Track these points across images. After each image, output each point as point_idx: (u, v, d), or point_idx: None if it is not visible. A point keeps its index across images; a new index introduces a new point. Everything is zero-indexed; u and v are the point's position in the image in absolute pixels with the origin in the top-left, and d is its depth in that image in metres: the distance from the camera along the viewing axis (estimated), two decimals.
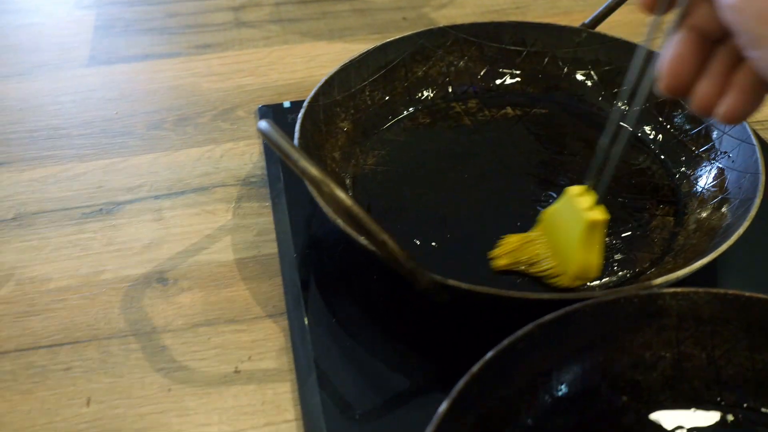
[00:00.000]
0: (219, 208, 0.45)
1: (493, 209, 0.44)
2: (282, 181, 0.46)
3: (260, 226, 0.44)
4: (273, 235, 0.43)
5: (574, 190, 0.37)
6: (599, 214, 0.36)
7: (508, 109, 0.52)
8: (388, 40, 0.51)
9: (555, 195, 0.44)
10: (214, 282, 0.40)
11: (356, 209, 0.31)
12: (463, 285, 0.33)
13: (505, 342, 0.31)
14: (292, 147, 0.33)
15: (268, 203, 0.45)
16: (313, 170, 0.32)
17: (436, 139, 0.49)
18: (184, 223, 0.44)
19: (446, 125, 0.51)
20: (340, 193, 0.31)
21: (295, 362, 0.36)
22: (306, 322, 0.37)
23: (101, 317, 0.38)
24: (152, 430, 0.33)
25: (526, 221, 0.42)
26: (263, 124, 0.35)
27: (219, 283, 0.40)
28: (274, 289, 0.40)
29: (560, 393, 0.32)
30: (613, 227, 0.42)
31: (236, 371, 0.36)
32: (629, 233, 0.42)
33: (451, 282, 0.33)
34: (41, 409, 0.34)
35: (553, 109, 0.52)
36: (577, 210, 0.36)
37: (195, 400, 0.35)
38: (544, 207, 0.41)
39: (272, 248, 0.42)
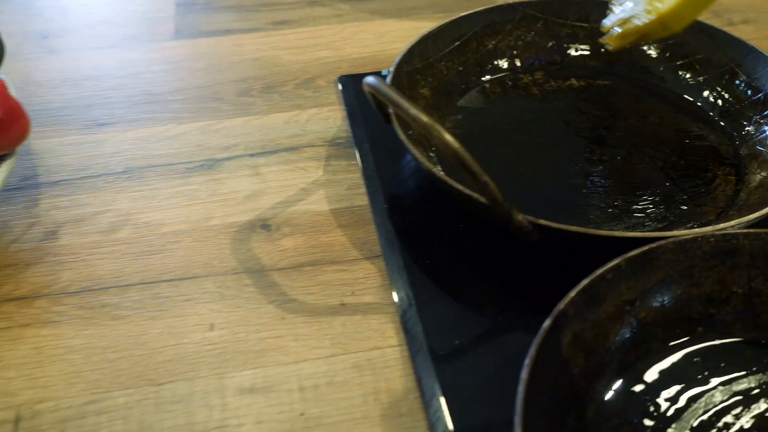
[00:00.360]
0: (310, 165, 0.49)
1: (559, 167, 0.47)
2: (367, 141, 0.50)
3: (350, 181, 0.48)
4: (363, 189, 0.47)
5: None
6: None
7: (573, 81, 0.55)
8: (462, 14, 0.55)
9: (608, 159, 0.48)
10: (313, 228, 0.44)
11: (463, 151, 0.35)
12: (554, 224, 0.37)
13: (597, 272, 0.34)
14: (402, 97, 0.37)
15: (355, 161, 0.49)
16: (424, 117, 0.36)
17: (506, 106, 0.53)
18: (280, 178, 0.48)
19: (515, 94, 0.54)
20: (449, 137, 0.35)
21: (395, 297, 0.40)
22: (402, 263, 0.41)
23: (214, 257, 0.42)
24: (272, 351, 0.37)
25: (586, 178, 0.45)
26: (371, 79, 0.39)
27: (317, 229, 0.44)
28: (368, 236, 0.44)
29: (643, 320, 0.36)
30: (679, 182, 0.46)
31: (341, 304, 0.40)
32: (694, 189, 0.45)
33: (543, 221, 0.37)
34: (170, 332, 0.38)
35: (615, 81, 0.55)
36: None
37: (307, 327, 0.38)
38: (607, 165, 0.44)
39: (363, 200, 0.46)
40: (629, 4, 0.48)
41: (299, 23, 0.65)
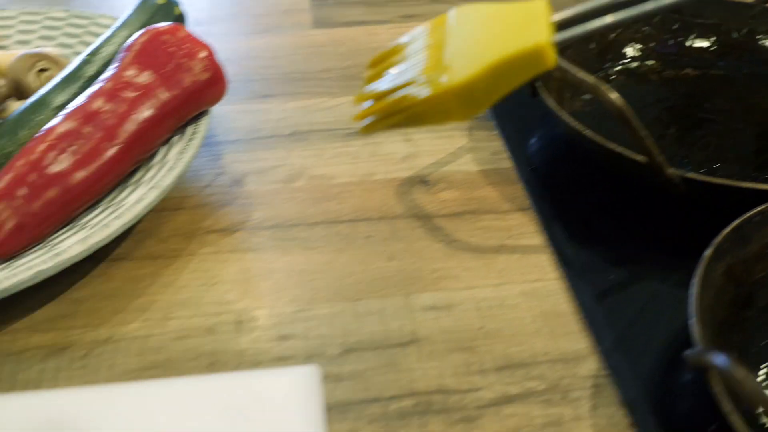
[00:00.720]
0: (454, 134, 0.55)
1: (678, 145, 0.52)
2: (501, 115, 0.55)
3: (492, 148, 0.53)
4: (505, 155, 0.52)
5: (539, 3, 0.29)
6: (550, 47, 0.27)
7: (689, 70, 0.60)
8: None
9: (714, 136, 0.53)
10: (466, 185, 0.50)
11: (626, 108, 0.40)
12: (701, 177, 0.42)
13: (746, 215, 0.39)
14: (568, 63, 0.42)
15: (495, 132, 0.55)
16: (590, 77, 0.41)
17: (628, 91, 0.58)
18: (430, 144, 0.54)
19: (635, 80, 0.59)
20: (614, 95, 0.40)
21: (549, 241, 0.45)
22: (552, 214, 0.46)
23: (383, 204, 0.48)
24: (446, 280, 0.43)
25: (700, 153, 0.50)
26: None
27: (470, 186, 0.50)
28: (516, 192, 0.49)
29: None
30: None
31: (502, 245, 0.45)
32: None
33: (691, 174, 0.42)
34: (354, 261, 0.44)
35: (729, 70, 0.60)
36: (528, 22, 0.27)
37: (474, 261, 0.44)
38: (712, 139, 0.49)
39: (508, 164, 0.52)
40: (394, 72, 0.32)
41: (425, 17, 0.71)
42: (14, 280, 0.37)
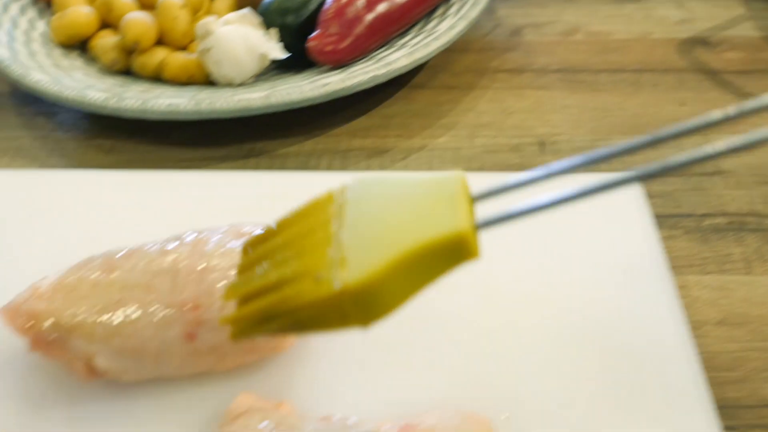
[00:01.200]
0: (730, 4, 0.54)
1: None
2: None
3: None
4: None
5: (456, 176, 0.22)
6: (472, 234, 0.20)
7: None
8: None
9: None
10: (750, 47, 0.50)
11: None
12: None
13: None
14: None
15: None
16: None
17: None
18: (704, 10, 0.53)
19: None
20: None
21: None
22: None
23: (665, 59, 0.49)
24: (740, 123, 0.43)
25: None
26: None
27: (754, 48, 0.50)
28: None
29: None
30: None
31: None
32: None
33: None
34: (645, 104, 0.45)
35: None
36: (449, 207, 0.21)
37: None
38: None
39: None
40: (272, 262, 0.23)
41: None
42: (353, 81, 0.41)
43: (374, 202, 0.22)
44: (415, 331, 0.31)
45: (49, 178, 0.40)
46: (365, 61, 0.44)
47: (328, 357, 0.31)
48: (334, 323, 0.21)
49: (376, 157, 0.43)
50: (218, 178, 0.39)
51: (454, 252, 0.20)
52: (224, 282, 0.28)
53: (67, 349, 0.29)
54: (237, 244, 0.30)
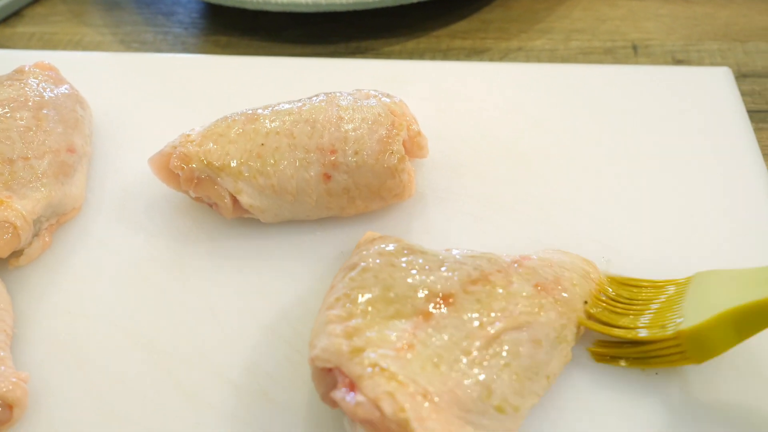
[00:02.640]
0: None
1: None
2: None
3: None
4: None
5: None
6: None
7: None
8: None
9: None
10: None
11: None
12: None
13: None
14: None
15: None
16: None
17: None
18: None
19: None
20: None
21: None
22: None
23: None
24: None
25: None
26: None
27: None
28: None
29: None
30: None
31: None
32: None
33: None
34: (736, 15, 0.47)
35: None
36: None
37: None
38: None
39: None
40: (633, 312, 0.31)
41: None
42: None
43: (709, 285, 0.29)
44: (525, 191, 0.35)
45: (177, 62, 0.44)
46: None
47: (443, 209, 0.34)
48: (674, 359, 0.29)
49: (475, 55, 0.45)
50: (327, 65, 0.42)
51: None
52: (359, 131, 0.32)
53: (216, 186, 0.32)
54: (366, 102, 0.33)
